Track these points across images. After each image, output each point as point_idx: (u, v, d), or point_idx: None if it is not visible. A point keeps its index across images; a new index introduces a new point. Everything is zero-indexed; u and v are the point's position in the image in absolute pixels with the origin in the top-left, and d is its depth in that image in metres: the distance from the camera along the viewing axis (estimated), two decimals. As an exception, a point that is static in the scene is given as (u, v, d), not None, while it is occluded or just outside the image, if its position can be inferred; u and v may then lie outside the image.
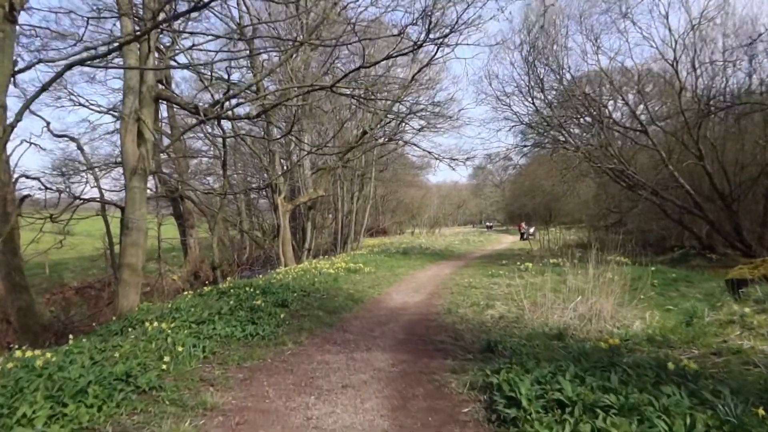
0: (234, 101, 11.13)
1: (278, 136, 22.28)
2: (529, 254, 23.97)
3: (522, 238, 42.92)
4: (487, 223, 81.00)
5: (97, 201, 12.06)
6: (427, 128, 25.65)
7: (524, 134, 26.14)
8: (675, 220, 18.52)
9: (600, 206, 28.51)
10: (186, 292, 10.91)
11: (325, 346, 7.00)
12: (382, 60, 8.89)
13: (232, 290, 10.54)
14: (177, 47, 11.86)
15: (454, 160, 24.69)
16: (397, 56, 8.33)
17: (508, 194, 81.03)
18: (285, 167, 23.77)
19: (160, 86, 11.05)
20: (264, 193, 35.10)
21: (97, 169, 13.52)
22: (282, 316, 8.48)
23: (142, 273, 11.24)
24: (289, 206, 21.48)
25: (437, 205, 65.05)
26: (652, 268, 12.99)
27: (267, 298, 9.93)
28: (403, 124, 24.69)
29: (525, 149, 27.71)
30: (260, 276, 15.20)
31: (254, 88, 10.46)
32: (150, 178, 16.48)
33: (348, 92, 10.24)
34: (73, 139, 12.58)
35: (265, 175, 21.59)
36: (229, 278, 14.84)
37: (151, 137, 10.68)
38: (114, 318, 9.87)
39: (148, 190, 23.57)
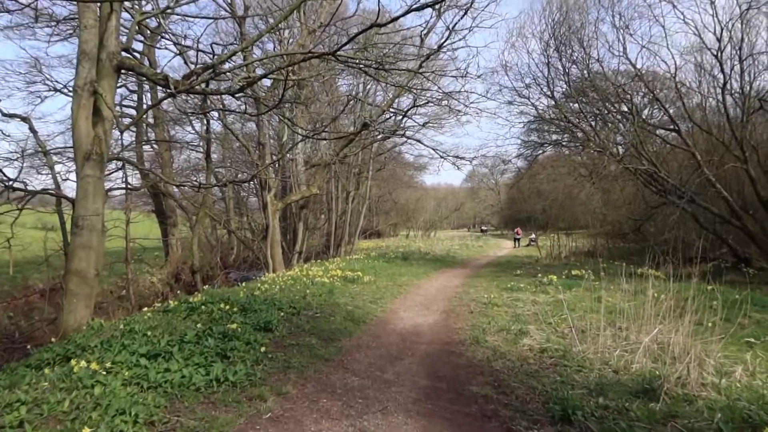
0: (221, 84, 9.17)
1: (270, 119, 20.34)
2: (538, 262, 22.21)
3: (516, 244, 41.13)
4: (482, 227, 79.22)
5: (42, 192, 10.04)
6: (431, 124, 23.73)
7: (540, 131, 24.17)
8: (708, 229, 16.66)
9: (616, 212, 26.64)
10: (146, 310, 8.85)
11: (320, 401, 4.99)
12: (400, 16, 6.91)
13: (204, 306, 8.51)
14: (149, 10, 9.84)
15: (459, 158, 22.73)
16: (418, 9, 6.36)
17: (505, 198, 79.57)
18: (276, 162, 21.74)
19: (125, 54, 9.01)
20: (254, 190, 33.12)
21: (54, 156, 11.54)
22: (263, 347, 6.47)
23: (97, 282, 9.21)
24: (279, 205, 19.47)
25: (433, 208, 63.20)
26: (710, 287, 11.10)
27: (246, 318, 7.94)
28: (406, 119, 22.72)
29: (542, 147, 25.67)
30: (243, 284, 13.17)
31: (240, 60, 8.48)
32: (133, 170, 14.40)
33: (354, 61, 8.23)
34: (24, 119, 10.55)
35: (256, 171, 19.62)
36: (206, 286, 12.79)
37: (111, 115, 8.66)
38: (53, 340, 7.84)
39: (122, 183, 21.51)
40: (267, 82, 18.42)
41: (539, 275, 14.60)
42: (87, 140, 8.53)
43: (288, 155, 21.54)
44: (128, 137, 25.43)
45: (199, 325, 7.17)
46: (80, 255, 8.53)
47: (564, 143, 23.51)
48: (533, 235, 42.74)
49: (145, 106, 23.94)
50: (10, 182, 9.85)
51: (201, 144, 23.93)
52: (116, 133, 25.60)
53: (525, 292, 12.32)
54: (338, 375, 5.91)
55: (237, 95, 7.86)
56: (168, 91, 7.91)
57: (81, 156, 8.52)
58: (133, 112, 23.58)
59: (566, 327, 8.47)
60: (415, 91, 16.52)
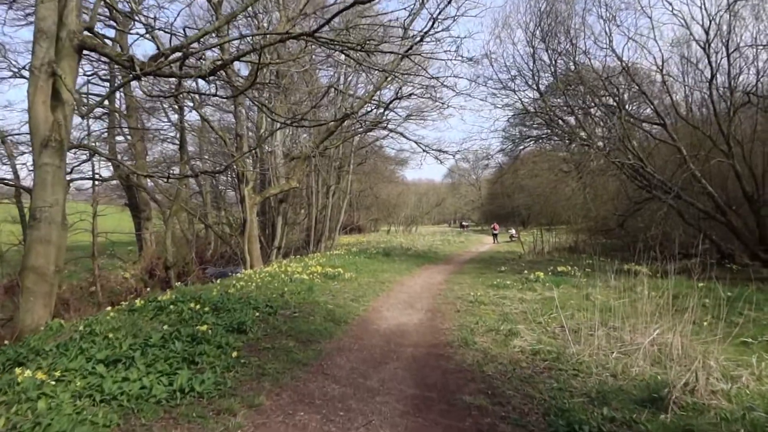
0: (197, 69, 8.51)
1: (248, 111, 19.65)
2: (521, 258, 21.90)
3: (495, 240, 40.83)
4: (463, 223, 79.00)
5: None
6: (414, 117, 23.23)
7: (524, 125, 23.77)
8: (693, 225, 16.43)
9: (598, 208, 26.42)
10: (109, 309, 8.20)
11: (297, 414, 4.47)
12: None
13: (173, 305, 7.92)
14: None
15: (442, 152, 22.30)
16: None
17: (485, 193, 79.50)
18: (254, 155, 21.08)
19: (87, 34, 8.33)
20: (231, 184, 32.34)
21: (21, 147, 10.73)
22: (235, 352, 5.91)
23: (57, 279, 8.55)
24: (257, 198, 18.83)
25: (414, 203, 62.77)
26: (701, 284, 10.80)
27: (219, 318, 7.38)
28: (388, 111, 22.18)
29: (526, 141, 25.28)
30: (218, 281, 12.55)
31: (213, 41, 7.85)
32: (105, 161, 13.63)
33: (335, 44, 7.66)
34: (-21, 103, 9.80)
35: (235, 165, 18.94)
36: (178, 283, 12.16)
37: (71, 99, 8.00)
38: (7, 342, 7.18)
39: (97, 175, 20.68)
40: (245, 71, 17.80)
41: (525, 272, 14.22)
42: (45, 126, 7.86)
43: (267, 147, 20.89)
44: (100, 126, 24.65)
45: (166, 327, 6.59)
46: (38, 250, 7.88)
47: (548, 137, 23.15)
48: (513, 231, 42.54)
49: (118, 94, 23.13)
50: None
51: (176, 135, 23.17)
52: (93, 123, 24.77)
53: (512, 290, 11.94)
54: (317, 382, 5.40)
55: (210, 79, 7.24)
56: (134, 73, 7.27)
57: (38, 143, 7.86)
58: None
59: (557, 326, 8.10)
60: (398, 79, 15.98)
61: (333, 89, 22.58)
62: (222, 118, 30.57)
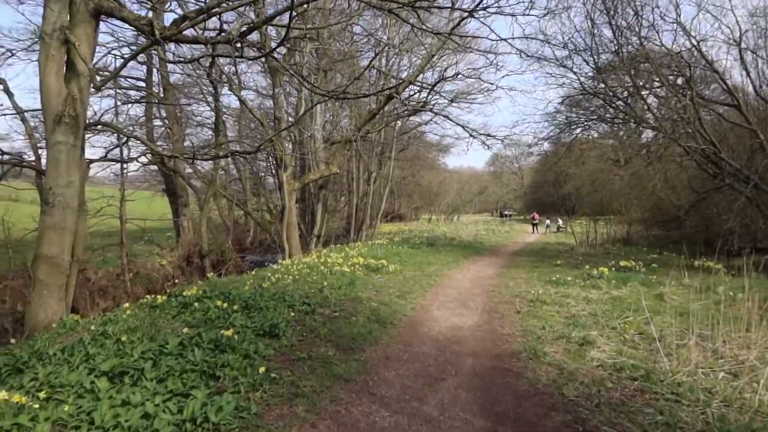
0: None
1: (287, 95, 18.75)
2: (573, 250, 20.48)
3: (534, 229, 39.10)
4: (505, 212, 77.00)
5: (8, 163, 8.56)
6: (460, 100, 21.87)
7: (579, 106, 22.11)
8: (768, 218, 14.67)
9: (652, 198, 24.58)
10: (126, 306, 7.31)
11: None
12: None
13: (198, 302, 7.01)
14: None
15: (490, 137, 20.92)
16: None
17: (528, 182, 77.39)
18: (293, 139, 20.19)
19: (106, -3, 7.43)
20: (271, 170, 31.65)
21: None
22: (264, 365, 4.92)
23: (75, 269, 7.77)
24: (296, 184, 17.94)
25: (456, 191, 61.25)
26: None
27: (248, 319, 6.42)
28: (432, 93, 20.92)
29: (580, 125, 23.62)
30: (253, 272, 11.69)
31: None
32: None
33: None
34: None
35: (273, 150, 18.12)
36: (210, 274, 11.34)
37: (86, 70, 7.12)
38: (12, 341, 6.41)
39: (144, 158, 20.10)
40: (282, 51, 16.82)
41: (586, 266, 12.89)
42: (57, 99, 7.03)
43: (306, 132, 19.97)
44: (139, 111, 24.21)
45: (186, 330, 5.66)
46: (51, 238, 7.09)
47: (608, 119, 21.41)
48: (560, 221, 40.79)
49: (156, 79, 22.60)
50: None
51: (213, 120, 22.47)
52: (131, 108, 24.31)
53: (574, 287, 10.68)
54: (362, 407, 4.36)
55: (237, 44, 6.23)
56: (152, 38, 6.32)
57: (50, 118, 7.04)
58: (142, 84, 22.22)
59: (635, 333, 6.88)
60: (447, 54, 14.75)
61: (375, 70, 21.52)
62: (262, 104, 29.92)
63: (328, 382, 4.86)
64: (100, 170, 21.18)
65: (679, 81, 16.10)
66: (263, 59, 19.77)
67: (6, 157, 9.33)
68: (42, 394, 3.88)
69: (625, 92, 17.49)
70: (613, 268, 12.78)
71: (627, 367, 5.49)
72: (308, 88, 10.56)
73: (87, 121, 7.93)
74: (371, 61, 11.05)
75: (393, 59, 24.69)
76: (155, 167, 23.91)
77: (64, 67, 7.32)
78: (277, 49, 14.83)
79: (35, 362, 5.25)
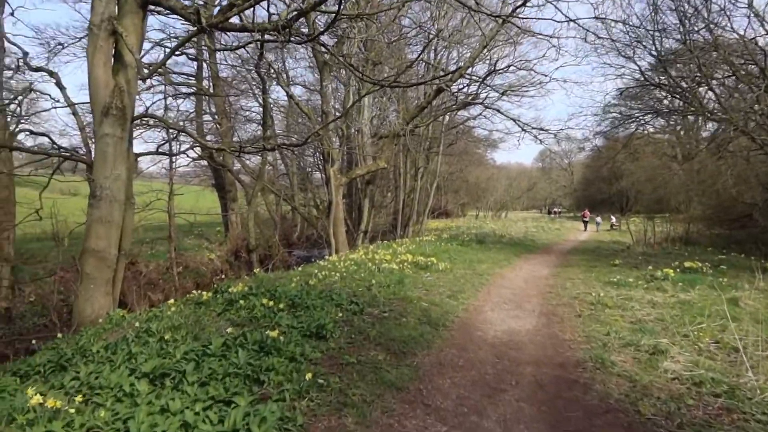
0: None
1: (335, 91, 18.54)
2: (630, 249, 19.54)
3: (585, 227, 37.83)
4: (554, 209, 75.12)
5: (58, 155, 8.58)
6: (512, 92, 21.16)
7: (638, 98, 21.05)
8: None
9: (715, 196, 23.22)
10: (170, 302, 7.14)
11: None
12: None
13: (244, 300, 6.78)
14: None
15: (543, 130, 20.19)
16: None
17: (579, 178, 75.36)
18: (341, 133, 19.97)
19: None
20: (318, 165, 31.64)
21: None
22: (311, 371, 4.62)
23: (122, 263, 7.69)
24: (343, 179, 17.73)
25: (504, 187, 60.07)
26: None
27: (295, 318, 6.15)
28: (482, 86, 20.32)
29: (628, 122, 22.56)
30: (300, 268, 11.51)
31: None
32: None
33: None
34: (51, 73, 9.19)
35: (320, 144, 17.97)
36: (257, 270, 11.19)
37: (133, 61, 6.99)
38: (59, 335, 6.33)
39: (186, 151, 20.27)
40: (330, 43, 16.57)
41: (644, 266, 12.15)
42: (105, 91, 6.93)
43: (353, 127, 19.72)
44: (190, 107, 24.52)
45: (230, 330, 5.41)
46: (98, 231, 7.00)
47: (665, 112, 20.30)
48: (614, 219, 39.37)
49: (205, 73, 22.80)
50: (34, 146, 8.49)
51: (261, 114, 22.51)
52: (182, 102, 24.61)
53: (636, 289, 10.00)
54: (417, 419, 4.00)
55: (285, 30, 5.94)
56: (199, 26, 6.11)
57: (98, 110, 6.94)
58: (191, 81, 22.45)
59: (710, 342, 6.27)
60: (500, 42, 14.16)
61: (423, 63, 21.06)
62: (310, 99, 29.94)
63: (378, 390, 4.51)
64: (152, 165, 21.59)
65: (752, 70, 15.02)
66: (312, 54, 19.68)
67: (56, 150, 9.39)
68: (78, 399, 3.67)
69: (690, 82, 16.46)
70: (678, 269, 12.01)
71: (707, 381, 4.94)
72: (357, 76, 10.21)
73: (134, 114, 7.83)
74: (420, 53, 10.60)
75: (442, 52, 24.18)
76: (205, 162, 24.23)
77: (112, 59, 7.23)
78: (326, 41, 14.67)
79: (78, 359, 5.13)
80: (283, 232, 29.86)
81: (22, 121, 13.87)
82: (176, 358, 4.65)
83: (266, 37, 6.40)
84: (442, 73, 19.72)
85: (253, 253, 17.25)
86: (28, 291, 14.25)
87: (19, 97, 11.47)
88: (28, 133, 14.26)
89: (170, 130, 11.24)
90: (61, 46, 10.61)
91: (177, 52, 20.77)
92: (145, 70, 7.20)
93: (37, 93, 13.93)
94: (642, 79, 16.65)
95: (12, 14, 13.79)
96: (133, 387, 3.98)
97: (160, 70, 9.22)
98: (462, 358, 5.64)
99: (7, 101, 10.81)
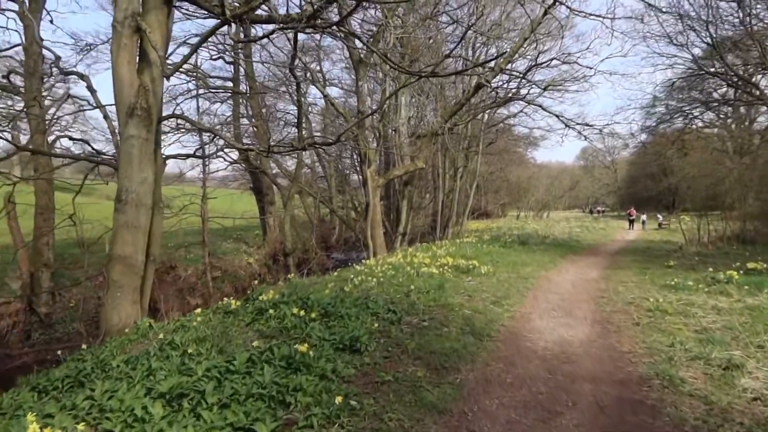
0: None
1: (371, 93, 18.16)
2: (682, 249, 18.46)
3: (631, 226, 36.44)
4: (598, 208, 72.98)
5: (85, 158, 8.37)
6: (554, 87, 20.34)
7: (690, 89, 19.91)
8: None
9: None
10: (197, 312, 6.76)
11: None
12: None
13: (274, 309, 6.37)
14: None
15: (588, 126, 19.31)
16: None
17: (623, 176, 73.13)
18: (378, 133, 19.54)
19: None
20: (356, 167, 31.36)
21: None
22: (342, 390, 4.17)
23: (150, 270, 7.41)
24: (380, 181, 17.29)
25: (546, 187, 58.65)
26: None
27: (327, 329, 5.72)
28: (523, 82, 19.59)
29: (675, 117, 21.42)
30: (335, 273, 11.12)
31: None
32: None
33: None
34: (82, 76, 9.05)
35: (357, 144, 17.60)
36: (290, 275, 10.85)
37: (158, 59, 6.69)
38: (85, 347, 6.06)
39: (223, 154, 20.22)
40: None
41: (710, 269, 11.27)
42: (130, 90, 6.65)
43: (390, 127, 19.25)
44: (227, 109, 24.57)
45: (256, 343, 5.00)
46: (124, 237, 6.73)
47: (715, 105, 19.11)
48: (660, 217, 37.83)
49: (242, 76, 22.77)
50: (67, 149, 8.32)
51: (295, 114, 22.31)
52: (219, 107, 24.68)
53: (697, 293, 9.20)
54: (462, 454, 3.49)
55: (314, 20, 5.52)
56: (223, 18, 5.75)
57: (123, 111, 6.66)
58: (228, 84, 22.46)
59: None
60: (541, 35, 13.46)
61: (461, 59, 20.44)
62: (346, 102, 29.72)
63: (418, 413, 4.02)
64: (190, 169, 21.62)
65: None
66: (347, 54, 19.35)
67: (92, 155, 9.27)
68: (81, 427, 3.29)
69: (749, 69, 15.38)
70: (740, 271, 11.12)
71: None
72: (391, 66, 9.72)
73: (161, 115, 7.56)
74: (458, 43, 10.07)
75: (480, 48, 23.52)
76: (243, 166, 24.23)
77: (137, 58, 6.96)
78: (362, 36, 14.26)
79: (97, 374, 4.83)
80: (321, 234, 29.71)
81: (63, 128, 14.03)
82: (198, 375, 4.27)
83: (295, 27, 5.98)
84: (481, 69, 19.11)
85: (289, 257, 16.97)
86: (68, 296, 14.36)
87: (57, 104, 11.50)
88: (67, 138, 14.42)
89: (204, 133, 11.01)
90: (89, 48, 10.54)
91: (214, 55, 20.86)
92: (169, 67, 6.90)
93: (74, 99, 14.08)
94: (695, 68, 15.63)
95: (51, 22, 13.94)
96: (145, 410, 3.60)
97: (184, 68, 8.92)
98: (510, 373, 5.10)
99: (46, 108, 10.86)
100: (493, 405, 4.31)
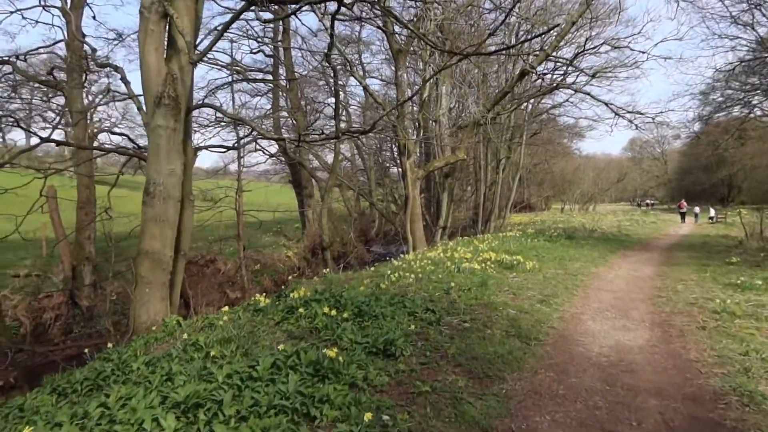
0: None
1: (410, 83, 17.69)
2: (742, 245, 17.35)
3: (682, 219, 34.95)
4: (647, 201, 70.57)
5: (116, 151, 8.18)
6: (603, 74, 19.39)
7: (750, 74, 18.63)
8: None
9: None
10: (224, 310, 6.43)
11: None
12: None
13: (303, 308, 5.99)
14: None
15: (639, 114, 18.30)
16: None
17: (675, 167, 70.57)
18: (417, 124, 19.06)
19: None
20: (396, 160, 30.93)
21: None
22: (373, 402, 3.77)
23: (180, 265, 7.17)
24: (420, 173, 16.82)
25: (592, 179, 56.97)
26: None
27: (360, 330, 5.32)
28: (570, 69, 18.72)
29: (730, 106, 20.11)
30: (372, 269, 10.74)
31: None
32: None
33: None
34: (116, 68, 8.88)
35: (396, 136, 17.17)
36: (326, 271, 10.51)
37: (186, 46, 6.40)
38: (111, 345, 5.84)
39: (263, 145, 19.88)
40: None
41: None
42: (157, 79, 6.38)
43: (431, 118, 18.70)
44: (266, 103, 24.51)
45: (281, 347, 4.61)
46: (152, 232, 6.48)
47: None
48: (712, 211, 36.12)
49: (281, 68, 22.62)
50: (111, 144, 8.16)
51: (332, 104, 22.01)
52: (259, 99, 24.67)
53: (765, 293, 8.43)
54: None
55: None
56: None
57: (151, 100, 6.40)
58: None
59: None
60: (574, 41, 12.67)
61: (505, 47, 19.68)
62: (387, 94, 29.31)
63: (458, 431, 3.57)
64: (231, 162, 21.63)
65: None
66: (387, 45, 18.91)
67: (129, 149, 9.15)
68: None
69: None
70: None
71: None
72: (430, 45, 9.21)
73: (191, 104, 7.29)
74: (502, 22, 9.44)
75: (522, 35, 22.68)
76: (283, 159, 24.14)
77: (165, 45, 6.69)
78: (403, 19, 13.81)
79: (118, 376, 4.58)
80: (361, 228, 29.45)
81: (113, 124, 14.05)
82: (218, 381, 3.93)
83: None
84: (526, 52, 18.34)
85: (326, 251, 16.68)
86: (110, 289, 14.44)
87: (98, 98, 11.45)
88: (108, 133, 14.50)
89: (238, 125, 10.77)
90: (121, 38, 10.45)
91: (254, 49, 20.76)
92: (196, 53, 6.59)
93: (115, 93, 14.09)
94: (761, 49, 14.51)
95: (93, 17, 14.00)
96: (156, 423, 3.27)
97: (224, 61, 8.62)
98: (562, 383, 4.59)
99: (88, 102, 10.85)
100: (544, 422, 3.82)
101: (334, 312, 5.70)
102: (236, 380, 3.94)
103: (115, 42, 10.79)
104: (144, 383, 4.14)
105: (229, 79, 20.22)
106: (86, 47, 10.77)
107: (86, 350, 6.13)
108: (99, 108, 17.68)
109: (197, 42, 7.39)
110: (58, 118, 14.94)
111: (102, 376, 4.60)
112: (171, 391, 3.76)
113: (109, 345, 5.82)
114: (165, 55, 6.62)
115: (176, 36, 6.47)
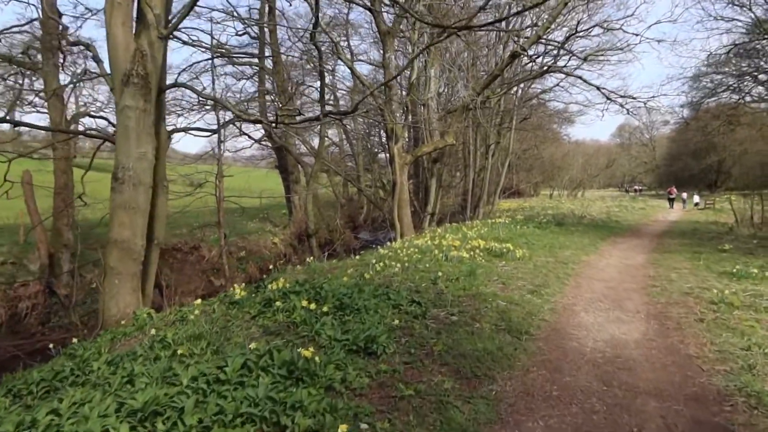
0: None
1: (397, 66, 17.24)
2: (733, 231, 17.25)
3: (671, 204, 35.00)
4: (635, 187, 70.69)
5: (83, 134, 7.74)
6: (594, 57, 19.06)
7: (745, 57, 18.36)
8: None
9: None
10: (198, 303, 6.05)
11: None
12: None
13: (281, 301, 5.64)
14: None
15: (631, 98, 18.02)
16: None
17: (662, 153, 70.74)
18: (405, 108, 18.67)
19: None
20: (384, 145, 30.54)
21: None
22: (350, 409, 3.44)
23: (154, 256, 6.79)
24: (408, 158, 16.43)
25: (581, 165, 56.87)
26: None
27: (341, 326, 4.99)
28: (561, 52, 18.35)
29: (720, 91, 19.86)
30: (357, 257, 10.41)
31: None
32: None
33: None
34: (87, 46, 8.41)
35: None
36: (310, 259, 10.17)
37: (155, 21, 5.95)
38: (76, 340, 5.48)
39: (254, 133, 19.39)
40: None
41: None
42: (125, 55, 5.95)
43: (419, 101, 18.30)
44: (251, 86, 23.94)
45: (254, 345, 4.26)
46: (121, 219, 6.09)
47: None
48: (697, 197, 36.20)
49: (267, 50, 22.05)
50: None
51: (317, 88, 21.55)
52: (246, 83, 24.16)
53: (765, 283, 8.21)
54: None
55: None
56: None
57: (118, 78, 5.96)
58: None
59: None
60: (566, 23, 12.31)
61: (494, 32, 19.29)
62: (376, 78, 28.82)
63: (445, 441, 3.26)
64: (216, 146, 21.18)
65: None
66: (375, 26, 18.42)
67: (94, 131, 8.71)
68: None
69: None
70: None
71: None
72: (416, 19, 8.79)
73: (164, 84, 6.87)
74: (486, 2, 9.00)
75: (513, 20, 22.26)
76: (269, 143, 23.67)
77: (134, 19, 6.24)
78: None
79: (77, 377, 4.23)
80: (349, 214, 29.10)
81: (98, 109, 13.51)
82: (182, 384, 3.60)
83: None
84: (512, 44, 17.92)
85: (312, 238, 16.32)
86: (89, 277, 14.00)
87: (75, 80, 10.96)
88: (87, 116, 13.95)
89: (219, 109, 10.31)
90: (90, 12, 9.87)
91: (239, 31, 20.17)
92: (163, 29, 6.16)
93: (93, 74, 13.54)
94: (757, 31, 14.20)
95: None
96: (110, 435, 2.93)
97: (207, 42, 8.17)
98: (556, 383, 4.29)
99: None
100: (536, 428, 3.52)
101: (313, 305, 5.36)
102: (202, 383, 3.60)
103: (86, 17, 10.27)
104: (103, 386, 3.82)
105: (217, 62, 19.70)
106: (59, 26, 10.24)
107: (51, 345, 5.75)
108: (84, 92, 17.13)
109: (171, 18, 6.93)
110: (34, 99, 14.35)
111: (59, 377, 4.25)
112: (129, 397, 3.41)
113: (74, 340, 5.46)
114: (134, 31, 6.19)
115: (145, 9, 6.03)
